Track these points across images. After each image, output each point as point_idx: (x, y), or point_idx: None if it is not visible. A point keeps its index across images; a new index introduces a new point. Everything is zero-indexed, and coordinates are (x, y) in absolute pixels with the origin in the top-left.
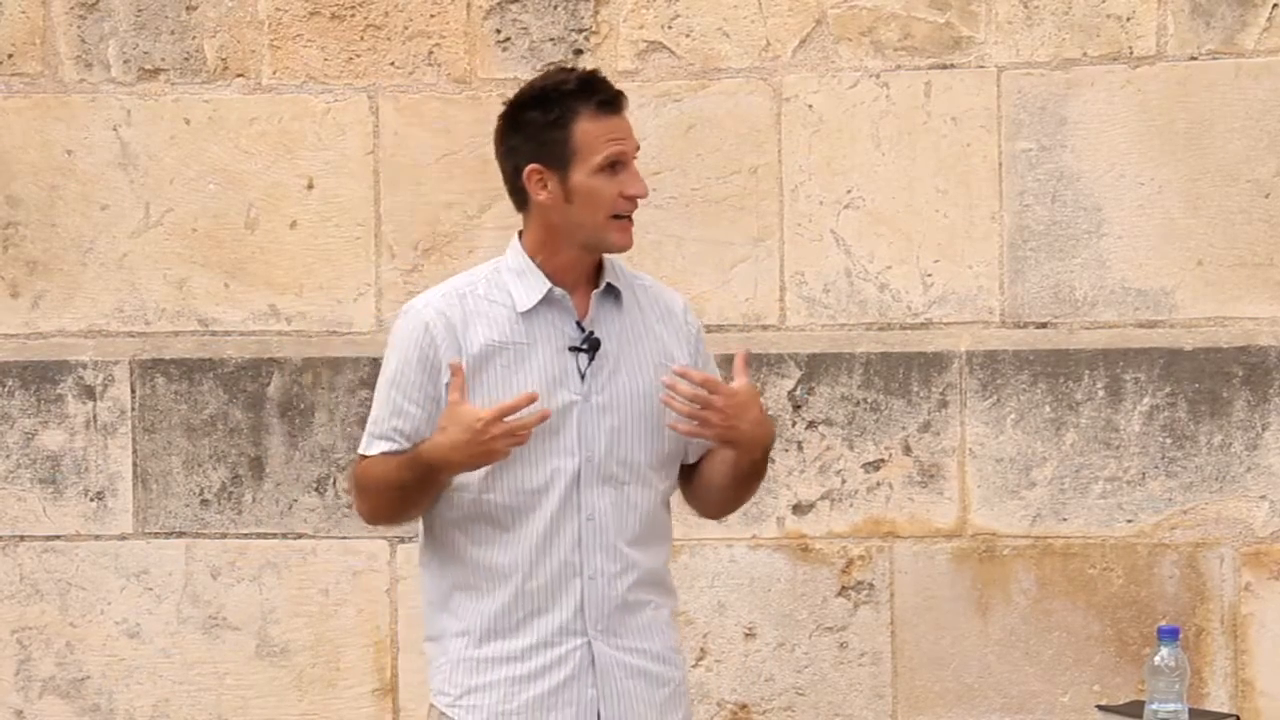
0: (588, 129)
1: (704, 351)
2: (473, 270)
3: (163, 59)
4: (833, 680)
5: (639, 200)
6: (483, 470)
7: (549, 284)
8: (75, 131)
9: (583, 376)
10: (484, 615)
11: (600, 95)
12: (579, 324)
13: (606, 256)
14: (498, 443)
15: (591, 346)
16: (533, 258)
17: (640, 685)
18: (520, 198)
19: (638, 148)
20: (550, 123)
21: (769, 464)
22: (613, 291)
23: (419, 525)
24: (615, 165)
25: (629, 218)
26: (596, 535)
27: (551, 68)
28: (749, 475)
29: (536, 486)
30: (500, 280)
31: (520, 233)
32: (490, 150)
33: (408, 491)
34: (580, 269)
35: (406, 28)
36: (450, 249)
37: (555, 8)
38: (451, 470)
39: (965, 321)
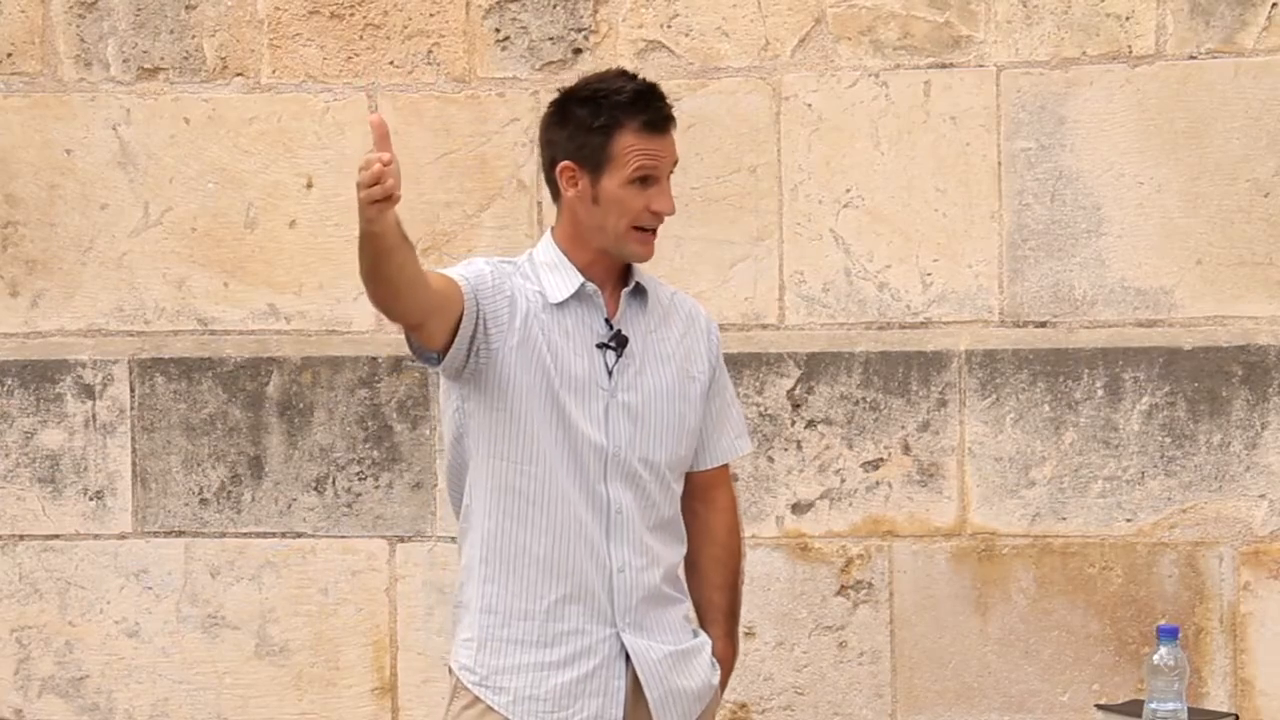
0: (628, 142)
1: (722, 364)
2: (504, 257)
3: (162, 58)
4: (832, 679)
5: (665, 216)
6: (519, 445)
7: (581, 278)
8: (74, 131)
9: (610, 374)
10: (512, 594)
11: (649, 115)
12: (607, 321)
13: None
14: (361, 191)
15: (619, 344)
16: (565, 252)
17: (676, 674)
18: (554, 189)
19: (676, 162)
20: (594, 127)
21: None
22: (640, 292)
23: (464, 494)
24: (647, 179)
25: (652, 231)
26: (625, 529)
27: (613, 69)
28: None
29: (567, 476)
30: (533, 270)
31: (553, 228)
32: (489, 149)
33: (365, 247)
34: (607, 267)
35: (405, 27)
36: (449, 248)
37: (555, 7)
38: (364, 221)
39: (964, 321)
